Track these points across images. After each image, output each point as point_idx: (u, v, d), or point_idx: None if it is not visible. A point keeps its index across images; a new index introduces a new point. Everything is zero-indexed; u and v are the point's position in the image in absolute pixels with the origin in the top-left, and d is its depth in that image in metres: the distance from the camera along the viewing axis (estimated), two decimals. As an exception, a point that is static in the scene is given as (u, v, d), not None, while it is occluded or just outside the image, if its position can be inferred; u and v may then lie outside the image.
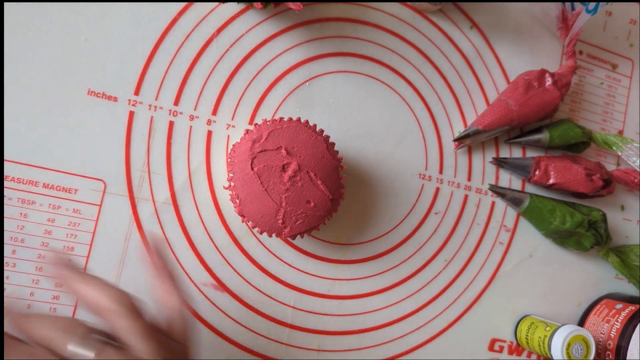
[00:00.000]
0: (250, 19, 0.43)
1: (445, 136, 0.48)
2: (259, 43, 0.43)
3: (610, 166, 0.53)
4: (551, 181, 0.49)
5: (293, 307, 0.43)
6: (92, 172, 0.39)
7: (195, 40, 0.41)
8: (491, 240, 0.49)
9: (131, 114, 0.40)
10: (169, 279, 0.31)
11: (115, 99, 0.40)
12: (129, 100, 0.40)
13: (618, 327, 0.46)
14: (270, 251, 0.43)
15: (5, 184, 0.37)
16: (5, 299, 0.32)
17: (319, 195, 0.37)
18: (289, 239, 0.42)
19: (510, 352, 0.49)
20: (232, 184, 0.37)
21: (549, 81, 0.48)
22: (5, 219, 0.37)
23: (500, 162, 0.49)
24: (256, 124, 0.38)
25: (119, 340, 0.27)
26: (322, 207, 0.38)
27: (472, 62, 0.49)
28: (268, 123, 0.37)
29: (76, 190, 0.39)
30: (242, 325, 0.41)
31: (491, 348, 0.48)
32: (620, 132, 0.54)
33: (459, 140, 0.48)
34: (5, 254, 0.37)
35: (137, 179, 0.40)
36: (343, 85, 0.45)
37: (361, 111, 0.45)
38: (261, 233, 0.37)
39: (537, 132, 0.49)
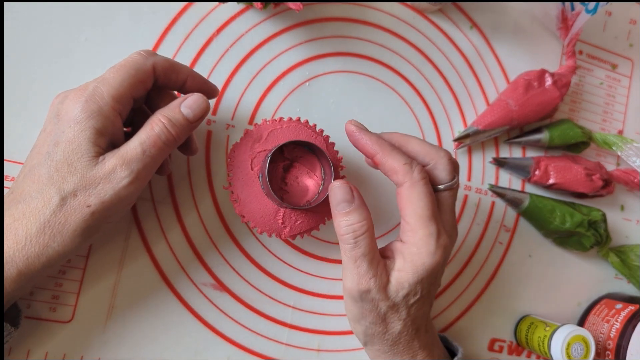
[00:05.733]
0: (250, 19, 0.43)
1: (445, 136, 0.48)
2: (259, 43, 0.43)
3: (610, 166, 0.53)
4: (551, 181, 0.49)
5: (293, 307, 0.43)
6: (92, 172, 0.39)
7: (195, 40, 0.41)
8: (491, 240, 0.49)
9: (131, 114, 0.40)
10: None
11: (115, 99, 0.39)
12: (129, 100, 0.40)
13: (618, 327, 0.46)
14: (270, 251, 0.43)
15: (5, 183, 0.37)
16: None
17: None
18: (289, 239, 0.42)
19: (510, 352, 0.49)
20: (232, 184, 0.37)
21: (548, 81, 0.48)
22: (5, 219, 0.37)
23: (500, 162, 0.49)
24: (256, 124, 0.38)
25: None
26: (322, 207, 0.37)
27: (472, 62, 0.49)
28: (268, 123, 0.37)
29: (76, 190, 0.39)
30: (242, 325, 0.41)
31: (491, 348, 0.48)
32: (620, 132, 0.54)
33: (459, 140, 0.48)
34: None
35: (137, 179, 0.40)
36: (343, 85, 0.45)
37: (361, 111, 0.45)
38: (261, 233, 0.37)
39: (537, 132, 0.49)
